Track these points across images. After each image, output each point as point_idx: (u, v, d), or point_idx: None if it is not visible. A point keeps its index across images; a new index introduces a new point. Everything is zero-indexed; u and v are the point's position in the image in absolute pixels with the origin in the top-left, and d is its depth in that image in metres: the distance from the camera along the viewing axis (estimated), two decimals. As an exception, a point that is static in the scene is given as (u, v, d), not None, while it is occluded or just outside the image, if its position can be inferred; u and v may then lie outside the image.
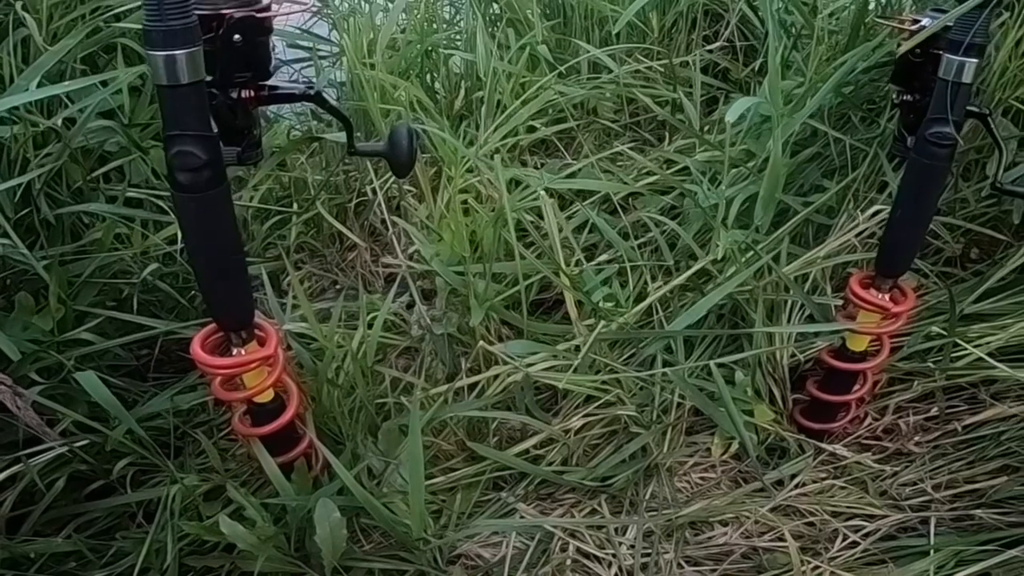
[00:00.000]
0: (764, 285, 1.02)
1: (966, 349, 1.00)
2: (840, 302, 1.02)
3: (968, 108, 0.82)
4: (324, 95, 0.79)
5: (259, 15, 0.71)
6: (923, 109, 0.84)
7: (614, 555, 0.95)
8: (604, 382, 1.02)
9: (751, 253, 1.00)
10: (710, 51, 1.42)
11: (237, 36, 0.69)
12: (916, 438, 1.05)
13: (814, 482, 1.02)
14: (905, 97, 0.89)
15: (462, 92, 1.38)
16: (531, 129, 1.29)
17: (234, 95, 0.72)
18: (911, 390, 1.07)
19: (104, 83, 0.98)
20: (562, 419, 1.04)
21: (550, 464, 1.02)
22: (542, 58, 1.35)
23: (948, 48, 0.79)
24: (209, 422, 1.01)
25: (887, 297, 0.93)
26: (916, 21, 0.85)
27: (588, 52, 1.33)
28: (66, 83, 0.87)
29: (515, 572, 0.93)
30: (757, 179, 1.06)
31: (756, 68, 1.39)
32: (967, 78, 0.79)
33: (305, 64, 1.53)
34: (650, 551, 0.95)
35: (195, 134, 0.64)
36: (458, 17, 1.61)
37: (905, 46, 0.83)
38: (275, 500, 0.86)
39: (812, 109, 1.05)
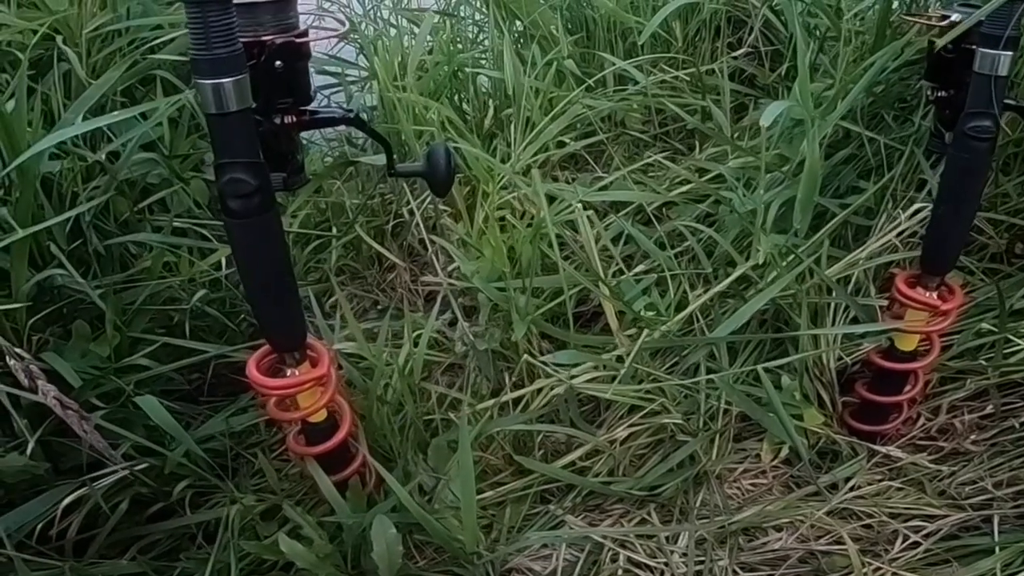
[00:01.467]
0: (807, 289, 1.01)
1: (1018, 344, 0.99)
2: (884, 303, 1.01)
3: (1006, 101, 0.82)
4: (362, 118, 0.80)
5: (298, 40, 0.72)
6: (959, 104, 0.83)
7: (666, 564, 0.94)
8: (648, 391, 1.02)
9: (792, 257, 1.00)
10: (735, 58, 1.43)
11: (278, 62, 0.70)
12: (973, 437, 1.03)
13: (869, 484, 1.00)
14: (940, 93, 0.88)
15: (491, 111, 1.40)
16: (561, 144, 1.30)
17: (277, 121, 0.73)
18: (964, 388, 1.05)
19: (144, 116, 1.01)
20: (607, 430, 1.03)
21: (597, 475, 1.02)
22: (568, 73, 1.36)
23: (982, 42, 0.79)
24: (262, 443, 1.03)
25: (935, 295, 0.92)
26: (945, 17, 0.85)
27: (613, 64, 1.34)
28: (112, 114, 0.89)
29: (566, 585, 0.93)
30: (792, 183, 1.06)
31: (783, 73, 1.39)
32: (1003, 71, 0.79)
33: (334, 90, 1.56)
34: (703, 558, 0.94)
35: (245, 161, 0.66)
36: (482, 36, 1.63)
37: (941, 41, 0.83)
38: (331, 518, 0.87)
39: (844, 110, 1.04)
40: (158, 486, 0.90)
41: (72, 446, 0.84)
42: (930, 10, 0.90)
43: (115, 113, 0.89)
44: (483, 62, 1.52)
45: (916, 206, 1.01)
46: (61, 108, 0.98)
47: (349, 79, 1.56)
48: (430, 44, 1.46)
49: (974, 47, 0.80)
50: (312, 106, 0.77)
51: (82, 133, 0.98)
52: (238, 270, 0.74)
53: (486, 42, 1.56)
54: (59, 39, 1.04)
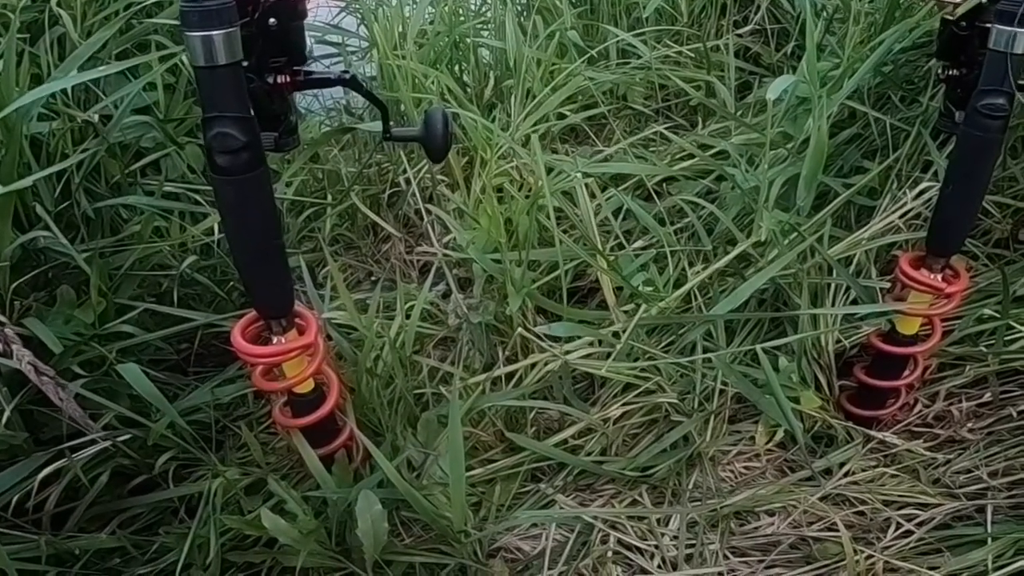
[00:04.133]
0: (808, 268, 1.00)
1: (1020, 331, 0.97)
2: (886, 285, 1.00)
3: (1019, 82, 0.80)
4: (358, 79, 0.78)
5: (293, -1, 0.70)
6: (970, 83, 0.82)
7: (656, 546, 0.93)
8: (643, 369, 1.00)
9: (794, 235, 0.98)
10: (740, 35, 1.40)
11: (272, 20, 0.69)
12: (969, 424, 1.02)
13: (864, 470, 0.99)
14: (951, 72, 0.87)
15: (491, 81, 1.37)
16: (561, 116, 1.28)
17: (270, 80, 0.72)
18: (963, 375, 1.04)
19: (137, 77, 0.98)
20: (601, 408, 1.02)
21: (589, 454, 1.01)
22: (571, 45, 1.34)
23: (998, 19, 0.77)
24: (249, 415, 1.01)
25: (939, 277, 0.91)
26: (959, -6, 0.83)
27: (617, 37, 1.31)
28: (102, 68, 0.87)
29: (555, 564, 0.92)
30: (796, 161, 1.04)
31: (788, 52, 1.37)
32: (1018, 48, 0.77)
33: (334, 60, 1.53)
34: (694, 542, 0.93)
35: (234, 115, 0.64)
36: (484, 7, 1.60)
37: (961, 9, 0.81)
38: (316, 493, 0.85)
39: (851, 89, 1.03)
40: (140, 458, 0.88)
41: (53, 416, 0.82)
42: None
43: (102, 67, 0.86)
44: (484, 32, 1.50)
45: (922, 186, 0.99)
46: (52, 70, 0.95)
47: (349, 49, 1.53)
48: (431, 14, 1.44)
49: (989, 24, 0.78)
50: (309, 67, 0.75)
51: (74, 94, 0.96)
52: (225, 230, 0.72)
53: (488, 12, 1.54)
54: (53, 1, 1.01)
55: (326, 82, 0.76)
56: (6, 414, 0.75)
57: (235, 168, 0.65)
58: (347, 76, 0.76)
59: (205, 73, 0.62)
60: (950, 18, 0.84)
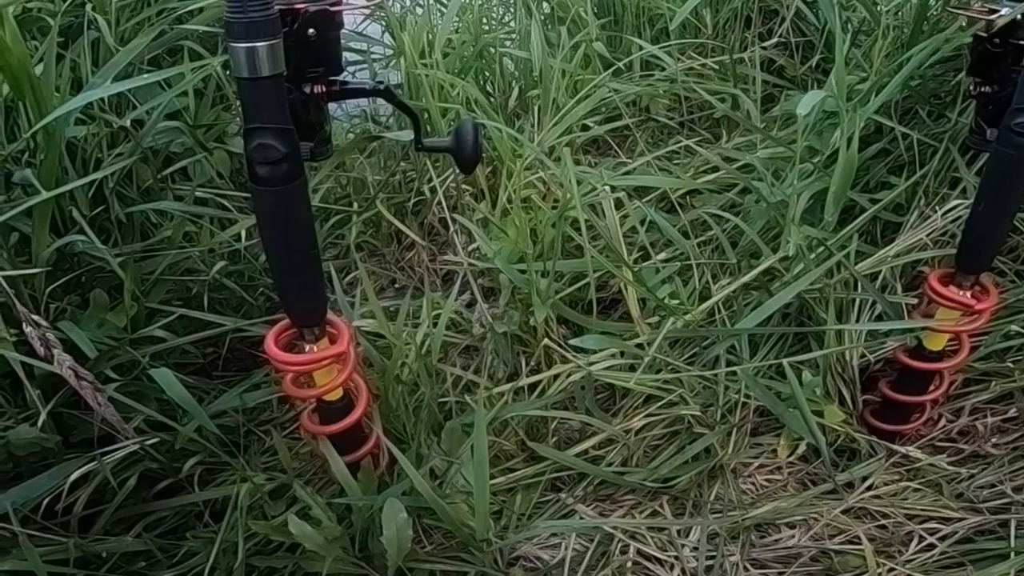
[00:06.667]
0: (834, 283, 1.00)
1: (1047, 348, 0.97)
2: (912, 300, 1.00)
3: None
4: (392, 90, 0.79)
5: (332, 9, 0.71)
6: (1003, 100, 0.81)
7: (676, 557, 0.93)
8: (666, 381, 1.00)
9: (821, 250, 0.98)
10: (765, 48, 1.40)
11: (311, 30, 0.69)
12: (994, 439, 1.02)
13: (886, 484, 0.99)
14: (983, 88, 0.86)
15: (515, 91, 1.38)
16: (585, 127, 1.28)
17: (307, 90, 0.72)
18: (988, 391, 1.03)
19: (170, 84, 0.99)
20: (623, 419, 1.02)
21: (610, 465, 1.01)
22: (595, 56, 1.34)
23: (1033, 36, 0.77)
24: (272, 420, 1.02)
25: (968, 294, 0.90)
26: (993, 11, 0.83)
27: (642, 49, 1.32)
28: (142, 76, 0.87)
29: (575, 574, 0.92)
30: (822, 175, 1.04)
31: (813, 65, 1.37)
32: (1053, 67, 0.77)
33: (359, 67, 1.54)
34: (715, 553, 0.93)
35: (275, 127, 0.64)
36: (507, 17, 1.61)
37: (1001, 20, 0.81)
38: (342, 500, 0.86)
39: (880, 103, 1.02)
40: (168, 462, 0.88)
41: (83, 419, 0.83)
42: (974, 3, 0.88)
43: (142, 76, 0.87)
44: (508, 43, 1.50)
45: (950, 204, 0.99)
46: (89, 75, 0.96)
47: (373, 56, 1.54)
48: (456, 23, 1.45)
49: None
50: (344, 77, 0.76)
51: (108, 100, 0.97)
52: (262, 240, 0.72)
53: (512, 23, 1.54)
54: (89, 7, 1.03)
55: (362, 92, 0.77)
56: (42, 417, 0.76)
57: (275, 179, 0.66)
58: (382, 87, 0.77)
59: (248, 84, 0.62)
60: (983, 35, 0.84)
